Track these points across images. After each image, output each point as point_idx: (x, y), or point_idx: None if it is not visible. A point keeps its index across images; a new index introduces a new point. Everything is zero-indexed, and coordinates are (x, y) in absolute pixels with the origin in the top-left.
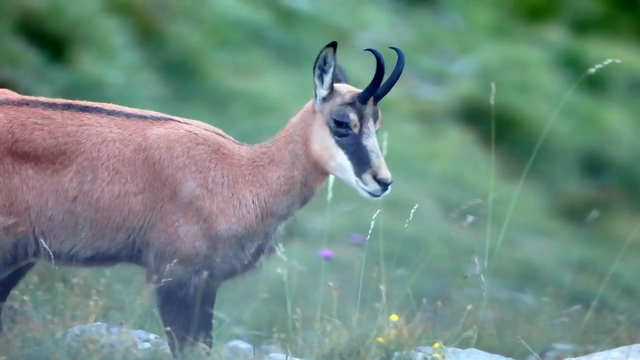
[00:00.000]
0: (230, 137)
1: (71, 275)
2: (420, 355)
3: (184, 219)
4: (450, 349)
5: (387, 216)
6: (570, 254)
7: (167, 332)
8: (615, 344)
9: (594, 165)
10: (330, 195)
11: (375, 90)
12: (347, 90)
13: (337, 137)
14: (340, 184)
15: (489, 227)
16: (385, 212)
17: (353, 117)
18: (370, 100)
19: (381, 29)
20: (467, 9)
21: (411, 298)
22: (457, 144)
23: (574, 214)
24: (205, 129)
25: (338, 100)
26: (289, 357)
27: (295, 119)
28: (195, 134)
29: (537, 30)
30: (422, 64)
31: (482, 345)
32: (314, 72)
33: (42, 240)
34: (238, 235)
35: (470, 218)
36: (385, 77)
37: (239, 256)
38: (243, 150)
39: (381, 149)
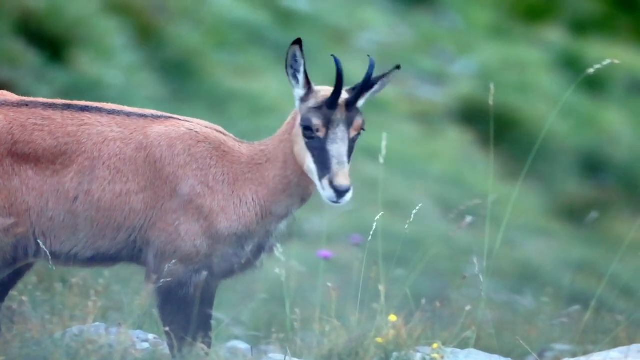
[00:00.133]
0: (231, 135)
1: (70, 275)
2: (419, 355)
3: (184, 217)
4: (449, 350)
5: (386, 216)
6: (569, 254)
7: (166, 333)
8: (614, 344)
9: (593, 166)
10: None
11: (337, 97)
12: (322, 93)
13: (306, 140)
14: None
15: (488, 227)
16: (385, 212)
17: (316, 122)
18: (342, 106)
19: (380, 29)
20: (466, 9)
21: (410, 298)
22: (456, 144)
23: (573, 214)
24: (206, 127)
25: (311, 102)
26: (287, 358)
27: (288, 118)
28: (196, 131)
29: (536, 31)
30: (421, 65)
31: (481, 345)
32: (287, 73)
33: (42, 241)
34: (238, 234)
35: (469, 218)
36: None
37: (239, 254)
38: (243, 148)
39: (380, 149)
